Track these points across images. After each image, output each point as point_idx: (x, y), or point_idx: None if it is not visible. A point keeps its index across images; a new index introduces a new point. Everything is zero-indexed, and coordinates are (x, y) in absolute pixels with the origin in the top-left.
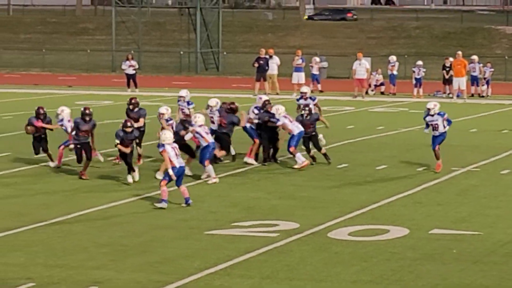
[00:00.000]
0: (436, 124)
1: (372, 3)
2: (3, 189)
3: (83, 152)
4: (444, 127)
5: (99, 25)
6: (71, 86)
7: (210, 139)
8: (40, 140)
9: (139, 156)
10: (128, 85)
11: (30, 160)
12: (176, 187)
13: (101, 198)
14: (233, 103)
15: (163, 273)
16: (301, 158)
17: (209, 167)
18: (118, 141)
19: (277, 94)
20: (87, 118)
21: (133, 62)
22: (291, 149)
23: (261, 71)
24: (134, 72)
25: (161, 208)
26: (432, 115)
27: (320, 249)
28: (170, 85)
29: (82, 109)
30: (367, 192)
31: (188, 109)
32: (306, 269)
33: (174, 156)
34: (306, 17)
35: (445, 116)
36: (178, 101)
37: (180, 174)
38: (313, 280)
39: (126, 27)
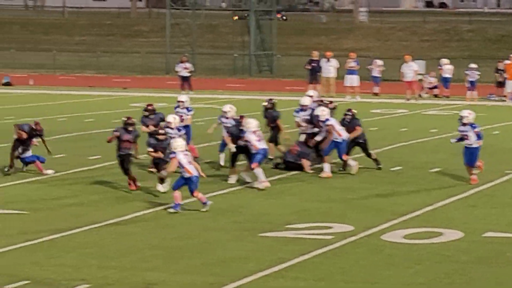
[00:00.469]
0: (466, 135)
1: (425, 6)
2: (58, 190)
3: (123, 164)
4: (476, 140)
5: (153, 27)
6: (126, 88)
7: (262, 145)
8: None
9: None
10: (182, 88)
11: (85, 162)
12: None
13: (155, 200)
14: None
15: (217, 275)
16: (352, 164)
17: (258, 170)
18: (151, 149)
19: (331, 97)
20: (130, 128)
21: (188, 65)
22: (344, 157)
23: (314, 73)
24: (188, 74)
25: (174, 212)
26: (464, 124)
27: (374, 251)
28: (224, 87)
29: (125, 118)
30: (420, 194)
31: (187, 115)
32: (360, 272)
33: (187, 164)
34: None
35: (477, 129)
36: (176, 107)
37: (196, 181)
38: (367, 282)
39: (180, 29)
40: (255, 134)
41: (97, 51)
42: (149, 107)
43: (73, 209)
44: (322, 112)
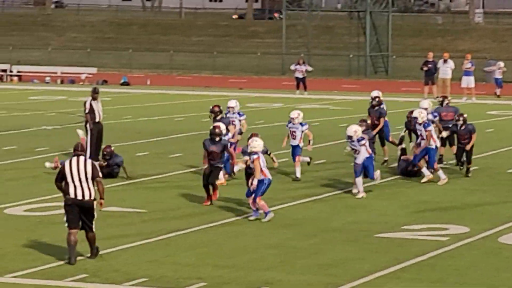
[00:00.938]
0: None
1: None
2: (174, 190)
3: (209, 177)
4: None
5: (269, 28)
6: (242, 88)
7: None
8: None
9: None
10: (297, 88)
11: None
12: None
13: (270, 201)
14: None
15: (333, 275)
16: (442, 176)
17: (358, 180)
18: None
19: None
20: (216, 138)
21: (303, 67)
22: (435, 166)
23: (430, 74)
24: (303, 75)
25: (270, 219)
26: None
27: (491, 253)
28: (339, 88)
29: (211, 128)
30: None
31: (239, 120)
32: (476, 274)
33: (265, 166)
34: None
35: None
36: (227, 112)
37: (268, 186)
38: (483, 285)
39: (296, 30)
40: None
41: (214, 52)
42: (216, 109)
43: (190, 209)
44: (421, 115)
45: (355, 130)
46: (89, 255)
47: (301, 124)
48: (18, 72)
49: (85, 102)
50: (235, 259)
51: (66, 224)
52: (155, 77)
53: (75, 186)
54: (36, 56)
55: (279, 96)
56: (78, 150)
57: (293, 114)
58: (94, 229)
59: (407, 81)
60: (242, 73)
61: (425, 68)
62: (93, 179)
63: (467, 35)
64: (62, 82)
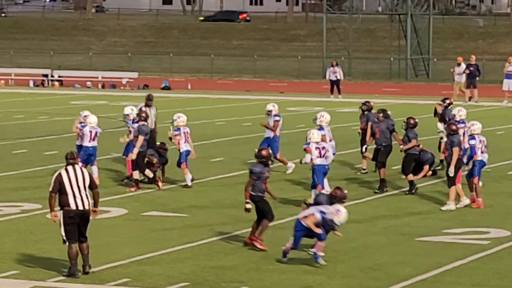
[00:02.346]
0: None
1: None
2: (217, 193)
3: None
4: None
5: (310, 31)
6: (283, 92)
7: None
8: None
9: None
10: (332, 92)
11: (242, 166)
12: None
13: None
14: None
15: (374, 279)
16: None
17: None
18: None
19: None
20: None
21: (337, 69)
22: (475, 180)
23: (472, 77)
24: (337, 78)
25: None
26: None
27: None
28: (379, 91)
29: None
30: None
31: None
32: None
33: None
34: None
35: None
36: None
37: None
38: None
39: (336, 33)
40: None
41: (254, 55)
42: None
43: (233, 212)
44: (460, 112)
45: None
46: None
47: (276, 116)
48: (60, 77)
49: (140, 108)
50: (278, 263)
51: (65, 237)
52: (195, 81)
53: (74, 196)
54: (77, 61)
55: (320, 100)
56: (70, 159)
57: (269, 106)
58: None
59: (448, 84)
60: (283, 77)
61: (467, 72)
62: (91, 188)
63: (509, 38)
64: (103, 86)
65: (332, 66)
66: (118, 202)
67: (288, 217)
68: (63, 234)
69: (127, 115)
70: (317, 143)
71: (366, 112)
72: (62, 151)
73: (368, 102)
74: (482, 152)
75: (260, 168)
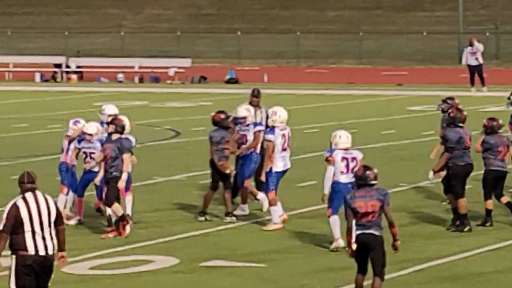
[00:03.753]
0: None
1: None
2: (310, 231)
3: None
4: None
5: None
6: (401, 84)
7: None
8: None
9: None
10: (472, 82)
11: None
12: None
13: (447, 248)
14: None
15: None
16: None
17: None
18: None
19: None
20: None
21: (478, 47)
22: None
23: None
24: (479, 63)
25: None
26: None
27: None
28: None
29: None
30: None
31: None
32: None
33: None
34: None
35: None
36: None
37: None
38: None
39: None
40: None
41: (359, 32)
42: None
43: (334, 259)
44: None
45: None
46: None
47: (257, 125)
48: (78, 67)
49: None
50: None
51: None
52: (274, 70)
53: (34, 236)
54: (102, 44)
55: (456, 94)
56: (28, 182)
57: (241, 111)
58: None
59: None
60: (401, 62)
61: None
62: (56, 225)
63: None
64: (141, 80)
65: (471, 45)
66: (164, 247)
67: None
68: (13, 286)
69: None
70: (345, 150)
71: None
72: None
73: None
74: None
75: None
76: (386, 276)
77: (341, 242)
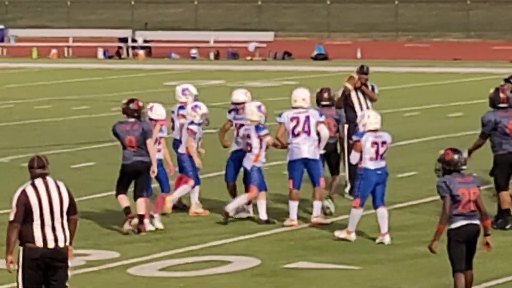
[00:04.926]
0: None
1: None
2: (408, 224)
3: None
4: None
5: None
6: None
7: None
8: None
9: None
10: None
11: None
12: None
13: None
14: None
15: None
16: None
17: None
18: None
19: None
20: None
21: None
22: None
23: None
24: None
25: None
26: None
27: None
28: None
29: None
30: None
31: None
32: None
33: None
34: None
35: None
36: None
37: None
38: None
39: None
40: None
41: (466, 0)
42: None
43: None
44: None
45: None
46: None
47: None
48: (146, 42)
49: (344, 91)
50: None
51: None
52: (368, 45)
53: (43, 227)
54: (173, 15)
55: None
56: (38, 167)
57: (238, 95)
58: None
59: None
60: None
61: None
62: (69, 214)
63: None
64: (217, 56)
65: None
66: (244, 245)
67: None
68: (20, 282)
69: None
70: (375, 132)
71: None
72: None
73: None
74: None
75: None
76: None
77: (353, 236)
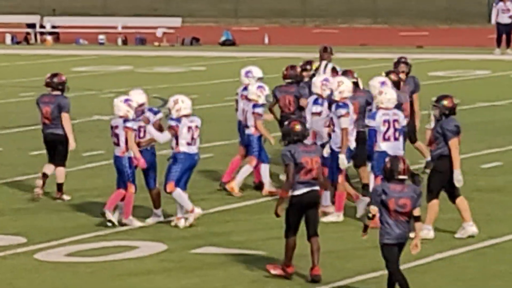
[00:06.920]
0: None
1: None
2: None
3: None
4: None
5: None
6: (422, 46)
7: None
8: None
9: None
10: (498, 42)
11: None
12: None
13: None
14: None
15: None
16: None
17: None
18: None
19: None
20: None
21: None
22: None
23: None
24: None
25: None
26: None
27: None
28: None
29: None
30: None
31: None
32: None
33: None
34: None
35: None
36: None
37: None
38: None
39: None
40: None
41: None
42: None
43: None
44: None
45: None
46: None
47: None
48: (53, 27)
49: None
50: None
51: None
52: (276, 30)
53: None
54: (82, 1)
55: (485, 58)
56: None
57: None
58: None
59: None
60: (422, 21)
61: None
62: None
63: None
64: (125, 42)
65: (503, 0)
66: (151, 230)
67: None
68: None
69: None
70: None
71: None
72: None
73: None
74: None
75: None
76: None
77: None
